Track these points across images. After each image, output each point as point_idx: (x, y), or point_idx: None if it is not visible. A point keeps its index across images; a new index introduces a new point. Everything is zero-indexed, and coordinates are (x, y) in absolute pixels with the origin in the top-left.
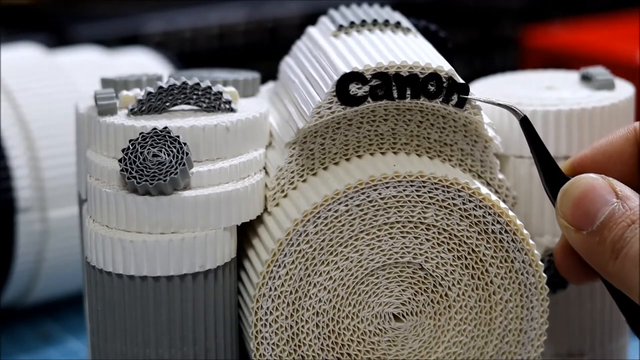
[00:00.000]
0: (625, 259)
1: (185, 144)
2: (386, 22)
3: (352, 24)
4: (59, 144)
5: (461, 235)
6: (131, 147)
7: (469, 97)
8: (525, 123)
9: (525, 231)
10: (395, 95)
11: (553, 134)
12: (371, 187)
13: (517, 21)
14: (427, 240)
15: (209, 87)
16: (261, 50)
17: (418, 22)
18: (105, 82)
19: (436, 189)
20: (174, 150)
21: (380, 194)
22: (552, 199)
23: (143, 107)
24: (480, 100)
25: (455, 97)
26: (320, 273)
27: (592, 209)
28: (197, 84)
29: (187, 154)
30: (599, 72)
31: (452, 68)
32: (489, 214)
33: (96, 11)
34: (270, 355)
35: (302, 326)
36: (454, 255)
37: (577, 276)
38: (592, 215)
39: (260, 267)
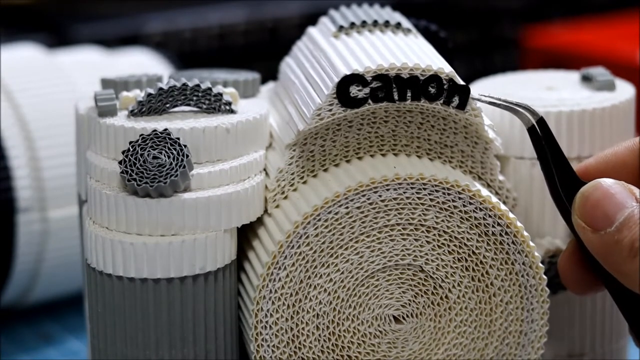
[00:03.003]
0: None
1: (185, 145)
2: (386, 23)
3: (352, 24)
4: (59, 144)
5: (462, 237)
6: (131, 149)
7: (481, 98)
8: (541, 124)
9: (525, 233)
10: (396, 97)
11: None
12: (371, 189)
13: (517, 21)
14: (428, 242)
15: (209, 89)
16: (261, 50)
17: (418, 22)
18: (105, 83)
19: (437, 191)
20: (174, 152)
21: (380, 196)
22: (562, 201)
23: (143, 109)
24: (495, 102)
25: (456, 99)
26: (321, 275)
27: (611, 210)
28: (198, 85)
29: (187, 155)
30: (600, 72)
31: (453, 70)
32: (490, 216)
33: (96, 11)
34: (271, 357)
35: (303, 328)
36: (454, 257)
37: (581, 287)
38: (611, 216)
39: (261, 269)
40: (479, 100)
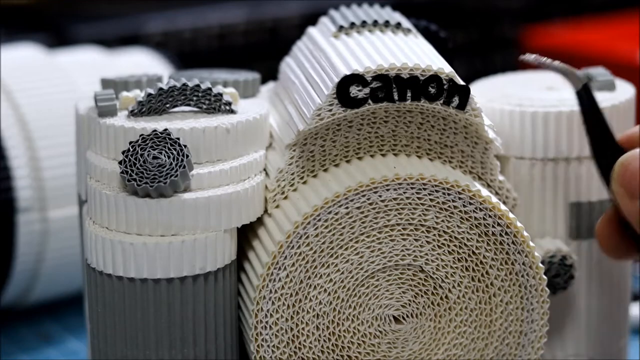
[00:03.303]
0: None
1: (185, 146)
2: (386, 23)
3: (352, 24)
4: (59, 144)
5: (462, 238)
6: (131, 149)
7: (529, 58)
8: (586, 90)
9: (525, 233)
10: (396, 97)
11: (553, 135)
12: (371, 189)
13: (517, 21)
14: (428, 242)
15: (209, 89)
16: (261, 50)
17: (418, 22)
18: (105, 83)
19: (437, 191)
20: (174, 152)
21: (380, 196)
22: (603, 167)
23: (143, 109)
24: (543, 62)
25: (456, 99)
26: (321, 275)
27: None
28: (198, 85)
29: (187, 156)
30: (600, 72)
31: (453, 70)
32: (490, 216)
33: (96, 11)
34: (271, 357)
35: (303, 328)
36: (454, 258)
37: (616, 252)
38: None
39: (261, 269)
40: (527, 60)
